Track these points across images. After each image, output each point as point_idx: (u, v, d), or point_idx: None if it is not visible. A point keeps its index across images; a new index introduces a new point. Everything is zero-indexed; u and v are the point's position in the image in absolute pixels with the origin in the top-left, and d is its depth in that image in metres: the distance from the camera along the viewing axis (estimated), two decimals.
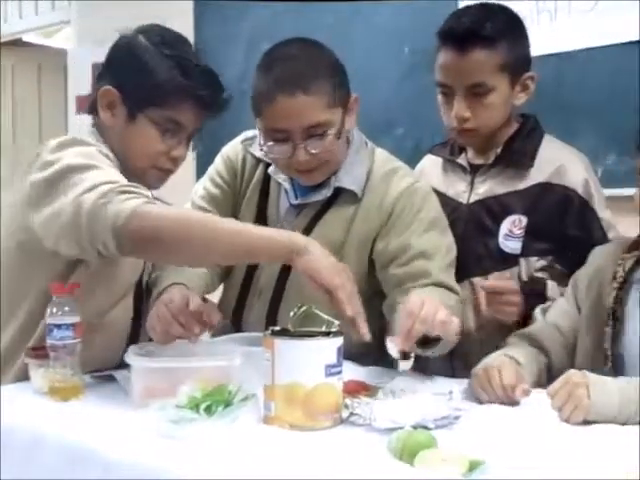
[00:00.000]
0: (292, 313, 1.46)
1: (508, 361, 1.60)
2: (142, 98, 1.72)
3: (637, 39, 2.57)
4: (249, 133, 2.00)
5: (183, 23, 3.94)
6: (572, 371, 1.46)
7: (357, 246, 1.87)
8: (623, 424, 1.38)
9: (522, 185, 1.93)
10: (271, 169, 1.93)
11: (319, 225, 1.88)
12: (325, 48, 1.86)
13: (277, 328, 1.45)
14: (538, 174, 1.92)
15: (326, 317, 1.44)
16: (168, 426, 1.34)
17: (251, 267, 1.95)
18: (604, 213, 1.93)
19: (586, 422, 1.39)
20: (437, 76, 1.93)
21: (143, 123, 1.73)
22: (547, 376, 1.68)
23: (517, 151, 1.95)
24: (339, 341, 1.40)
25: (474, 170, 2.00)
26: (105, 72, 1.79)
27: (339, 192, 1.88)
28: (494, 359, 1.63)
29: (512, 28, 1.93)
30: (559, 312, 1.76)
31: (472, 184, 1.99)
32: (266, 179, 1.95)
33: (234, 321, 1.98)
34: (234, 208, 1.99)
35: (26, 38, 5.30)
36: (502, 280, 1.85)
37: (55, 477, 1.35)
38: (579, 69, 2.69)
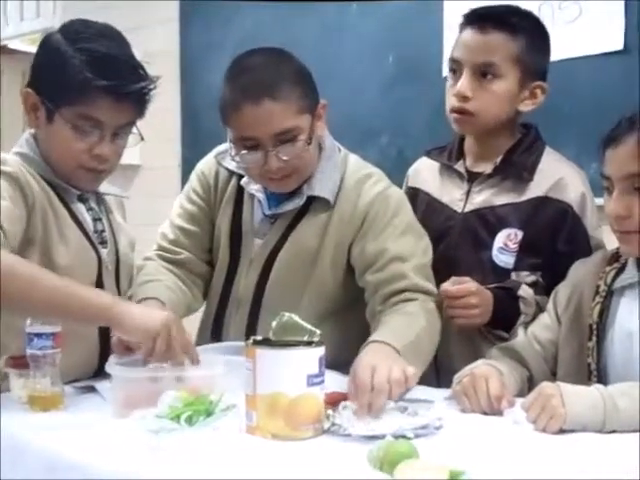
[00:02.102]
0: (274, 323, 1.45)
1: (494, 371, 1.60)
2: (55, 97, 1.69)
3: (621, 49, 2.58)
4: (221, 147, 1.99)
5: (169, 29, 3.94)
6: (544, 383, 1.46)
7: (332, 253, 1.87)
8: (599, 431, 1.39)
9: (520, 198, 1.90)
10: (244, 181, 1.92)
11: (293, 234, 1.88)
12: (291, 56, 1.85)
13: (259, 338, 1.45)
14: (537, 188, 1.90)
15: (308, 327, 1.44)
16: (148, 436, 1.33)
17: (229, 278, 1.95)
18: (595, 232, 1.90)
19: (562, 431, 1.39)
20: (452, 53, 1.95)
21: (59, 123, 1.69)
22: (529, 387, 1.68)
23: (517, 163, 1.92)
24: (321, 351, 1.40)
25: (471, 178, 1.97)
26: (30, 75, 1.76)
27: (312, 200, 1.87)
28: (478, 367, 1.63)
29: (535, 31, 1.95)
30: (539, 326, 1.76)
31: (468, 193, 1.96)
32: (239, 191, 1.94)
33: (214, 333, 1.98)
34: (212, 223, 1.98)
35: (11, 45, 5.28)
36: (459, 283, 1.81)
37: None
38: (563, 78, 2.68)
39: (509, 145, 1.95)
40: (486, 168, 1.95)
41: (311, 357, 1.38)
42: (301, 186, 1.87)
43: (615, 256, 1.67)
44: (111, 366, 1.55)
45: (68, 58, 1.67)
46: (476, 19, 1.91)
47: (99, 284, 1.77)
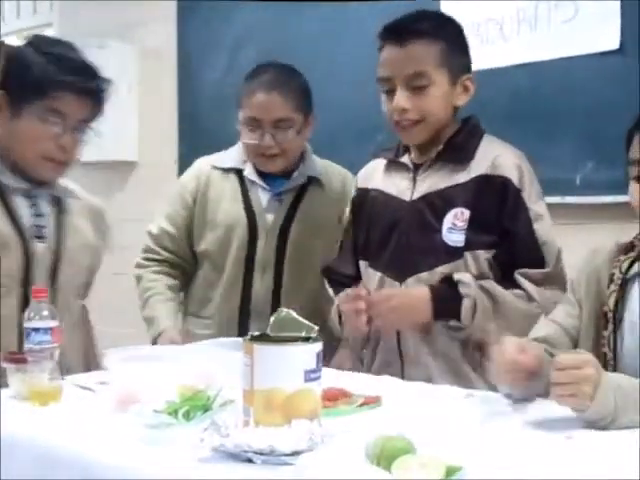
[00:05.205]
0: (272, 318, 1.46)
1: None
2: (23, 93, 1.92)
3: (616, 48, 2.59)
4: (203, 159, 2.47)
5: (166, 27, 3.94)
6: (587, 358, 1.41)
7: (331, 225, 2.31)
8: (603, 429, 1.39)
9: (463, 179, 1.97)
10: (247, 172, 2.40)
11: (301, 206, 2.39)
12: (300, 73, 2.39)
13: (256, 333, 1.45)
14: (478, 167, 1.97)
15: (306, 322, 1.44)
16: (146, 431, 1.33)
17: (251, 247, 2.36)
18: (536, 205, 1.96)
19: (559, 428, 1.40)
20: (379, 73, 2.00)
21: (26, 116, 1.93)
22: None
23: (458, 147, 2.00)
24: (318, 346, 1.40)
25: (417, 168, 2.04)
26: None
27: (310, 179, 2.41)
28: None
29: (451, 31, 2.01)
30: (564, 314, 1.74)
31: (414, 181, 2.02)
32: (242, 183, 2.40)
33: (244, 294, 2.37)
34: (193, 223, 2.40)
35: (8, 41, 5.27)
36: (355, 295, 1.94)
37: None
38: (559, 77, 2.70)
39: (449, 135, 2.01)
40: (429, 157, 2.02)
41: (308, 353, 1.38)
42: (294, 170, 2.39)
43: (630, 246, 1.67)
44: (110, 362, 1.56)
45: (34, 60, 1.93)
46: (393, 34, 1.97)
47: (26, 274, 1.90)
